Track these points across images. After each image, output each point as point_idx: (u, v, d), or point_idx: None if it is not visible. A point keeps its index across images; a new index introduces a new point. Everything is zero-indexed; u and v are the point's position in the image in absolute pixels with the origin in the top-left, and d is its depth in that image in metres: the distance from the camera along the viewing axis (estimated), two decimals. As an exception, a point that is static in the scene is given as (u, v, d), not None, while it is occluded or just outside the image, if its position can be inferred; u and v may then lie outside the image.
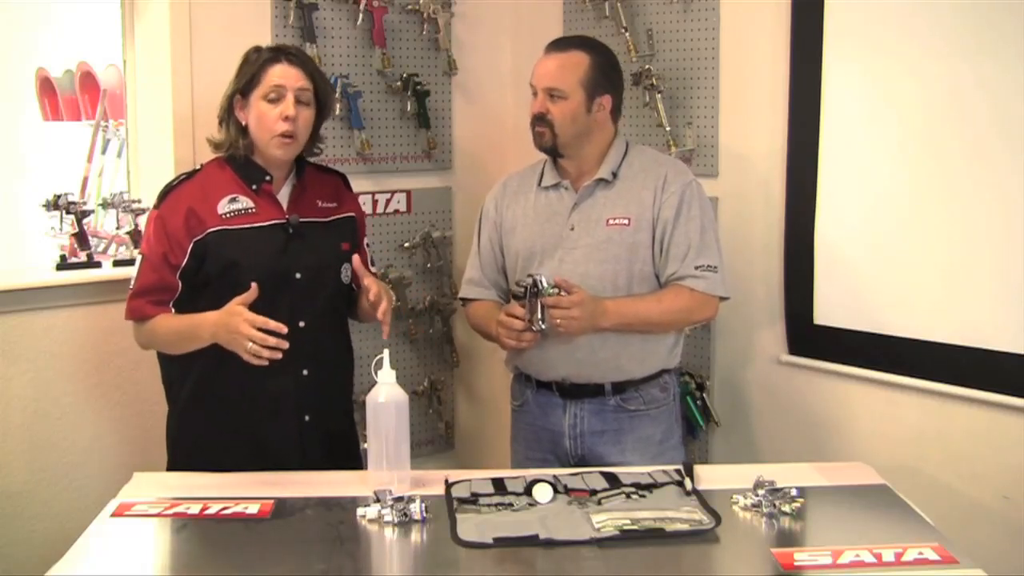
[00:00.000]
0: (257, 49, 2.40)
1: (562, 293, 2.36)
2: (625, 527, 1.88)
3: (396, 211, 3.34)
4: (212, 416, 2.37)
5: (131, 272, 2.40)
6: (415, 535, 1.91)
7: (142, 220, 2.81)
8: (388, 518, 1.92)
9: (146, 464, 2.40)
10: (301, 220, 2.38)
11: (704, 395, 3.02)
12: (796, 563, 1.78)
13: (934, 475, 2.59)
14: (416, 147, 3.36)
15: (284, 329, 2.17)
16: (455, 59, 3.39)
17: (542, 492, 2.03)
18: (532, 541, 1.85)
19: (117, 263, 2.93)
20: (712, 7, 2.94)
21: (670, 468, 2.18)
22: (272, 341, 2.16)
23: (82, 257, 2.90)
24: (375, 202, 3.29)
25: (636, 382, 2.52)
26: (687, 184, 2.51)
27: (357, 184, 3.15)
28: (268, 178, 2.38)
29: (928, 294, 2.60)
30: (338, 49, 3.16)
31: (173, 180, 2.42)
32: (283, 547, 1.87)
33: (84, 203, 3.01)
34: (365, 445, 2.10)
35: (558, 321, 2.36)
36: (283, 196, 2.42)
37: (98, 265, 2.92)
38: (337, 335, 2.50)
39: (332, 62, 3.15)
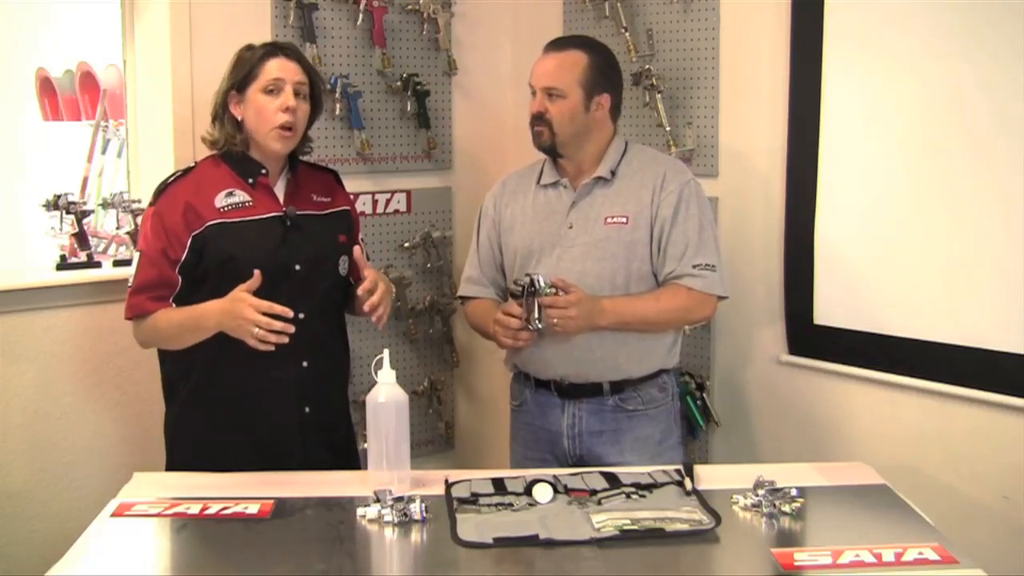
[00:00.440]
0: (250, 47, 2.41)
1: (559, 292, 2.36)
2: (625, 527, 1.88)
3: (396, 211, 3.34)
4: (213, 411, 2.37)
5: (130, 271, 2.39)
6: (415, 535, 1.91)
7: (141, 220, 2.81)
8: (388, 518, 1.92)
9: (146, 464, 2.40)
10: (298, 212, 2.39)
11: (704, 395, 3.02)
12: (796, 563, 1.78)
13: (934, 475, 2.59)
14: (416, 147, 3.36)
15: (289, 313, 2.19)
16: (455, 59, 3.39)
17: (542, 492, 2.03)
18: (532, 541, 1.85)
19: (117, 263, 2.93)
20: (712, 7, 2.94)
21: (670, 468, 2.17)
22: (278, 326, 2.18)
23: (82, 257, 2.90)
24: (375, 202, 3.29)
25: (634, 382, 2.52)
26: (685, 183, 2.51)
27: (357, 184, 3.17)
28: (264, 171, 2.39)
29: (928, 294, 2.60)
30: (338, 49, 3.16)
31: (168, 177, 2.43)
32: (283, 547, 1.87)
33: (84, 203, 3.01)
34: (365, 445, 2.11)
35: (555, 320, 2.36)
36: (278, 190, 2.43)
37: (98, 265, 2.92)
38: (335, 327, 2.52)
39: (332, 62, 3.15)
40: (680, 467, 2.17)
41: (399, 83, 3.27)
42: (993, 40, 2.44)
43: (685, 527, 1.89)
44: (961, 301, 2.54)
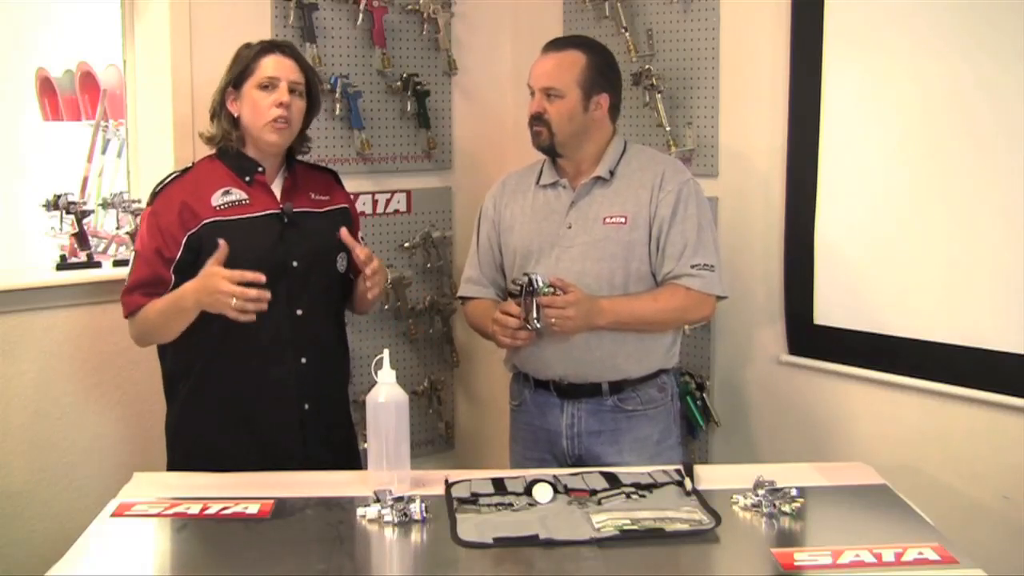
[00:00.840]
0: (248, 45, 2.43)
1: (557, 292, 2.36)
2: (625, 527, 1.88)
3: (396, 211, 3.34)
4: (213, 409, 2.38)
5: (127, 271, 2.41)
6: (415, 535, 1.91)
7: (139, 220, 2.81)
8: (388, 518, 1.92)
9: (146, 464, 2.41)
10: (296, 210, 2.40)
11: (704, 395, 3.02)
12: (796, 563, 1.78)
13: (934, 475, 2.59)
14: (416, 147, 3.36)
15: (262, 278, 2.17)
16: (455, 59, 3.39)
17: (542, 492, 2.03)
18: (532, 541, 1.85)
19: (117, 263, 2.94)
20: (712, 7, 2.94)
21: (670, 468, 2.17)
22: (252, 293, 2.16)
23: (82, 257, 2.90)
24: (375, 202, 3.29)
25: (633, 382, 2.52)
26: (684, 183, 2.51)
27: (357, 184, 3.17)
28: (260, 169, 2.40)
29: (928, 294, 2.60)
30: (338, 49, 3.16)
31: (165, 178, 2.44)
32: (283, 547, 1.87)
33: (84, 203, 3.01)
34: (365, 445, 2.11)
35: (553, 320, 2.36)
36: (275, 188, 2.44)
37: (98, 265, 2.92)
38: (334, 325, 2.52)
39: (332, 62, 3.15)
40: (680, 467, 2.17)
41: (399, 83, 3.27)
42: (993, 40, 2.44)
43: (685, 527, 1.89)
44: (961, 301, 2.54)
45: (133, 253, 2.41)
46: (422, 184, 3.39)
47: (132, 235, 2.93)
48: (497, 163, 3.38)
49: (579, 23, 3.28)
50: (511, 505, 1.99)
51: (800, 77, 2.78)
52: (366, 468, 2.12)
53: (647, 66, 3.04)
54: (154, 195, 2.40)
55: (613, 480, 2.10)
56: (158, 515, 1.99)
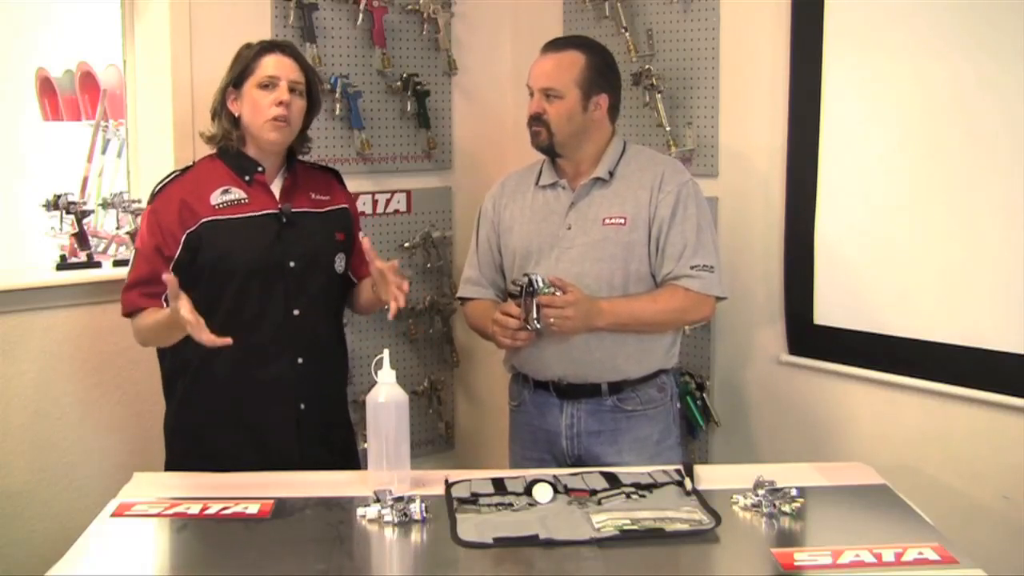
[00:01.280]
0: (248, 45, 2.43)
1: (557, 293, 2.36)
2: (625, 527, 1.88)
3: (396, 211, 3.34)
4: (210, 407, 2.38)
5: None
6: (415, 535, 1.91)
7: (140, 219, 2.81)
8: (388, 518, 1.92)
9: (146, 464, 2.40)
10: (294, 210, 2.40)
11: (704, 395, 3.02)
12: (796, 563, 1.78)
13: (934, 475, 2.59)
14: (416, 147, 3.36)
15: (200, 322, 2.08)
16: (455, 59, 3.39)
17: (542, 492, 2.03)
18: (532, 541, 1.85)
19: (117, 263, 2.94)
20: (712, 7, 2.94)
21: (670, 468, 2.18)
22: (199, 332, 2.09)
23: (82, 257, 2.90)
24: (375, 202, 3.29)
25: (633, 382, 2.52)
26: (684, 183, 2.51)
27: (357, 184, 3.17)
28: (260, 169, 2.40)
29: (928, 294, 2.60)
30: (338, 49, 3.16)
31: (165, 177, 2.44)
32: (283, 547, 1.87)
33: (84, 203, 3.01)
34: (365, 445, 2.11)
35: (552, 321, 2.36)
36: (275, 188, 2.44)
37: (98, 265, 2.92)
38: (330, 324, 2.52)
39: (332, 62, 3.15)
40: (680, 467, 2.17)
41: (399, 83, 3.27)
42: (993, 39, 2.44)
43: (685, 527, 1.89)
44: (961, 301, 2.54)
45: (134, 251, 2.42)
46: (422, 184, 3.39)
47: (132, 235, 2.93)
48: (497, 163, 3.38)
49: (579, 23, 3.28)
50: (511, 505, 2.00)
51: (800, 77, 2.78)
52: (365, 468, 2.12)
53: (647, 66, 3.04)
54: (154, 194, 2.40)
55: (613, 480, 2.10)
56: (158, 515, 1.99)
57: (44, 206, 2.95)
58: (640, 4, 3.10)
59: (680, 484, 2.08)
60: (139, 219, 2.88)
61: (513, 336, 2.43)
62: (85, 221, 2.96)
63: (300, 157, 2.52)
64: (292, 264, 2.38)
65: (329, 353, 2.51)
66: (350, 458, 2.53)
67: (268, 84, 2.36)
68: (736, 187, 2.95)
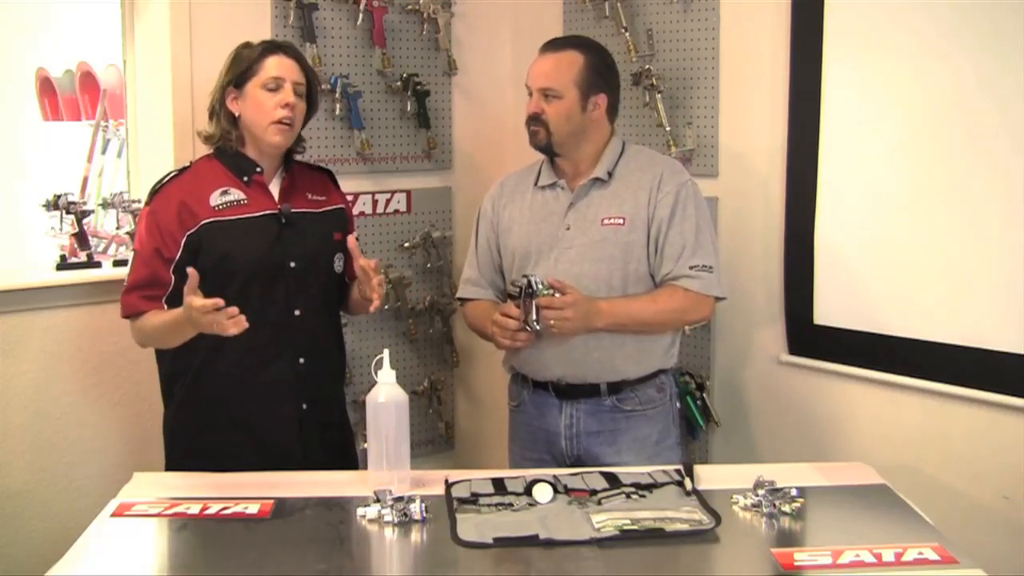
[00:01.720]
0: (247, 45, 2.42)
1: (556, 294, 2.36)
2: (625, 527, 1.88)
3: (396, 211, 3.34)
4: (212, 409, 2.38)
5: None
6: (415, 535, 1.91)
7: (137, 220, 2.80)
8: (388, 518, 1.92)
9: (146, 464, 2.40)
10: (293, 210, 2.40)
11: (704, 395, 3.02)
12: (796, 563, 1.78)
13: (934, 475, 2.59)
14: (416, 147, 3.36)
15: (221, 303, 2.09)
16: (455, 59, 3.39)
17: (542, 492, 2.03)
18: (532, 541, 1.85)
19: (117, 263, 2.94)
20: (712, 7, 2.94)
21: (670, 468, 2.17)
22: (231, 312, 2.09)
23: (82, 257, 2.91)
24: (375, 202, 3.29)
25: (632, 382, 2.52)
26: (682, 184, 2.51)
27: (357, 184, 3.18)
28: (259, 169, 2.40)
29: (928, 294, 2.60)
30: (338, 49, 3.16)
31: (163, 177, 2.42)
32: (283, 547, 1.87)
33: (84, 203, 3.01)
34: (365, 445, 2.11)
35: (551, 321, 2.36)
36: (273, 188, 2.44)
37: (98, 265, 2.92)
38: (330, 324, 2.52)
39: (332, 62, 3.15)
40: (680, 467, 2.17)
41: (399, 83, 3.27)
42: (994, 39, 2.44)
43: (685, 527, 1.89)
44: (961, 301, 2.54)
45: (132, 252, 2.41)
46: (422, 184, 3.39)
47: (132, 235, 2.93)
48: (497, 163, 3.38)
49: (579, 23, 3.28)
50: (511, 505, 1.99)
51: (800, 77, 2.78)
52: (366, 468, 2.12)
53: (647, 66, 3.04)
54: (152, 194, 2.39)
55: (613, 480, 2.10)
56: (158, 515, 1.99)
57: (44, 206, 2.95)
58: (640, 4, 3.10)
59: (680, 484, 2.08)
60: (138, 219, 2.90)
61: (512, 337, 2.43)
62: (85, 221, 2.96)
63: (296, 157, 2.52)
64: (292, 264, 2.38)
65: (329, 353, 2.51)
66: (348, 457, 2.54)
67: (273, 86, 2.35)
68: (736, 187, 2.95)
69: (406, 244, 3.35)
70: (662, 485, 2.09)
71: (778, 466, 2.24)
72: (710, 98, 2.97)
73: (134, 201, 2.99)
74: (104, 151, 3.98)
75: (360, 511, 1.96)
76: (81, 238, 2.92)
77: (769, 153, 2.87)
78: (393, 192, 3.33)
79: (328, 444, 2.47)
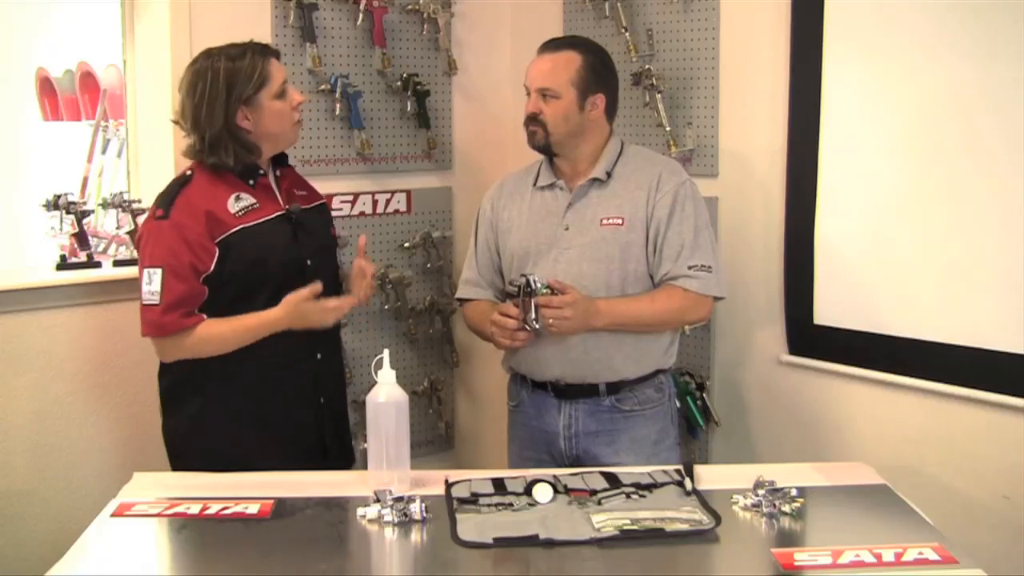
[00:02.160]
0: (230, 57, 2.33)
1: (555, 293, 2.36)
2: (625, 527, 1.88)
3: (396, 211, 3.34)
4: (237, 414, 2.34)
5: (137, 279, 2.29)
6: (415, 535, 1.91)
7: (142, 220, 2.73)
8: (388, 518, 1.92)
9: (146, 464, 2.40)
10: (300, 209, 2.44)
11: (704, 395, 3.02)
12: (796, 563, 1.78)
13: (934, 475, 2.59)
14: (416, 147, 3.36)
15: (318, 288, 2.31)
16: (455, 59, 3.39)
17: (542, 492, 2.03)
18: (532, 541, 1.85)
19: (117, 263, 2.94)
20: (712, 7, 2.94)
21: (670, 468, 2.17)
22: (332, 303, 2.34)
23: (82, 257, 2.90)
24: (375, 202, 3.29)
25: (631, 382, 2.52)
26: (681, 184, 2.51)
27: (357, 184, 3.19)
28: (262, 172, 2.42)
29: (928, 294, 2.60)
30: (338, 49, 3.16)
31: (173, 187, 2.35)
32: (283, 547, 1.87)
33: (84, 203, 3.01)
34: (365, 445, 2.11)
35: (550, 321, 2.36)
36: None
37: (98, 265, 2.92)
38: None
39: (332, 62, 3.15)
40: (680, 467, 2.17)
41: (399, 83, 3.27)
42: (993, 40, 2.44)
43: (685, 527, 1.89)
44: (961, 301, 2.54)
45: (157, 270, 2.26)
46: (422, 184, 3.39)
47: (132, 235, 2.93)
48: (497, 163, 3.38)
49: (579, 23, 3.28)
50: (511, 505, 1.99)
51: (800, 77, 2.78)
52: (366, 468, 2.12)
53: (647, 66, 3.04)
54: (166, 206, 2.30)
55: (613, 480, 2.10)
56: (158, 515, 1.99)
57: (44, 206, 2.95)
58: (640, 4, 3.10)
59: (680, 484, 2.08)
60: (139, 219, 2.89)
61: (512, 336, 2.43)
62: (85, 221, 2.95)
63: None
64: (309, 262, 2.41)
65: (338, 347, 2.57)
66: (345, 452, 2.55)
67: (281, 92, 2.37)
68: (736, 187, 2.95)
69: (406, 244, 3.35)
70: (662, 485, 2.09)
71: (778, 466, 2.24)
72: (710, 98, 2.97)
73: (134, 201, 2.98)
74: (104, 151, 3.98)
75: (360, 511, 1.96)
76: (81, 238, 2.92)
77: (769, 153, 2.87)
78: (393, 192, 3.33)
79: (339, 435, 2.52)
